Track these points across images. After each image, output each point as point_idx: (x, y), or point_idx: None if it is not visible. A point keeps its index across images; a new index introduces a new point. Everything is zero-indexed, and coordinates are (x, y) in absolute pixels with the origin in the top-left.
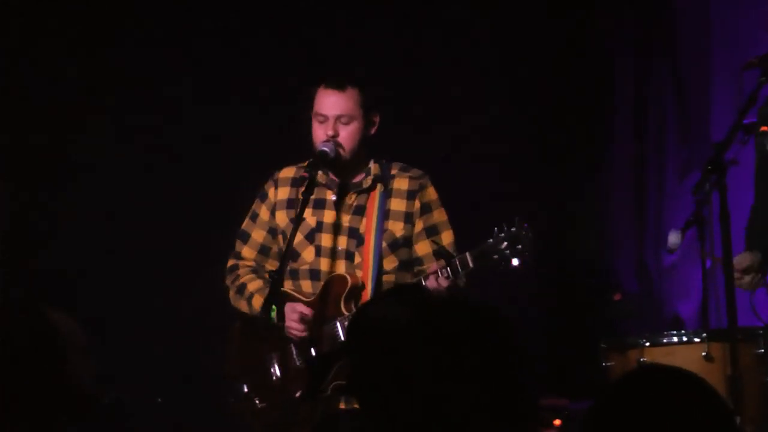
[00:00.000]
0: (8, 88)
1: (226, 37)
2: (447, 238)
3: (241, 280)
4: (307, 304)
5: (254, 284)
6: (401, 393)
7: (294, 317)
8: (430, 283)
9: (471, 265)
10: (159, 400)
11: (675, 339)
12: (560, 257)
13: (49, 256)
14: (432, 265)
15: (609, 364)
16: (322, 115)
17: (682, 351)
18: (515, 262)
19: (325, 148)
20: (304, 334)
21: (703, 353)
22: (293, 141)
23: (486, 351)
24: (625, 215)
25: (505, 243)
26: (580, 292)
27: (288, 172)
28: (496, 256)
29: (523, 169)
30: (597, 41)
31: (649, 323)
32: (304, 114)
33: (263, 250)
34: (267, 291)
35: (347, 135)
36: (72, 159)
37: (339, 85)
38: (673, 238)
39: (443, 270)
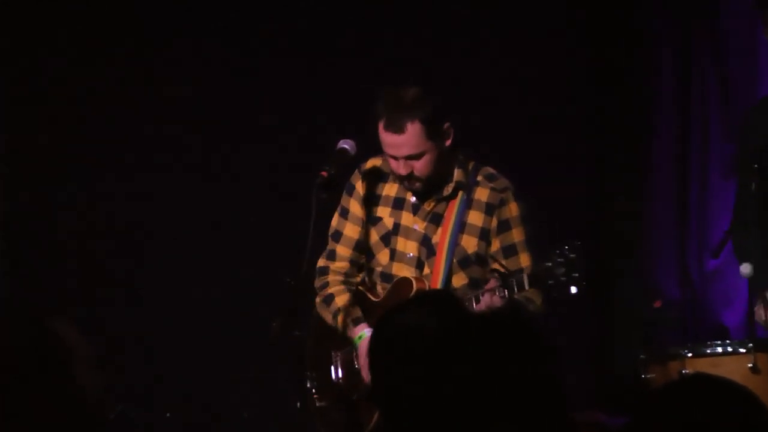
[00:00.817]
0: (11, 87)
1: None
2: (524, 260)
3: (330, 290)
4: (375, 303)
5: (342, 298)
6: (423, 404)
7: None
8: (485, 299)
9: (527, 287)
10: (167, 414)
11: (719, 349)
12: (596, 261)
13: (49, 265)
14: (490, 282)
15: (649, 376)
16: (390, 155)
17: (727, 362)
18: (573, 290)
19: (345, 146)
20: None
21: (750, 365)
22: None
23: (514, 363)
24: (666, 215)
25: (563, 269)
26: (617, 299)
27: (374, 163)
28: (551, 282)
29: (559, 167)
30: (637, 31)
31: (692, 332)
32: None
33: (358, 247)
34: (354, 308)
35: (421, 167)
36: (73, 158)
37: (398, 129)
38: (746, 269)
39: (499, 289)
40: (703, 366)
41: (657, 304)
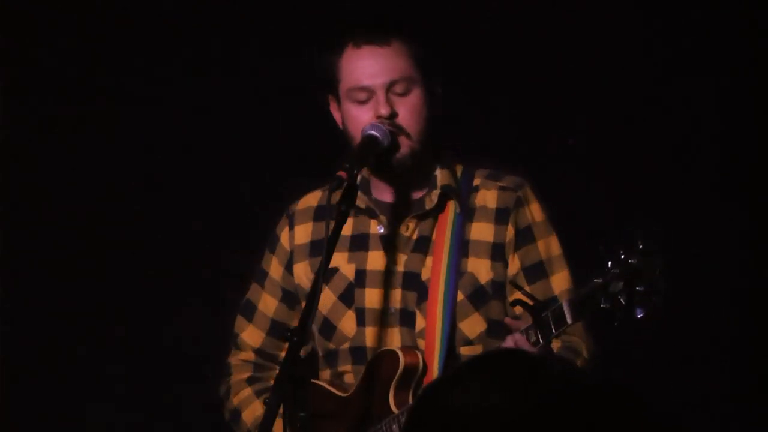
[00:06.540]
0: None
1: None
2: (558, 284)
3: (235, 400)
4: (345, 401)
5: (252, 410)
6: None
7: None
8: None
9: (569, 320)
10: None
11: None
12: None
13: (47, 266)
14: (517, 323)
15: None
16: (362, 88)
17: None
18: (638, 313)
19: (375, 132)
20: None
21: None
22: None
23: None
24: None
25: (621, 283)
26: None
27: (310, 200)
28: (606, 305)
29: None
30: None
31: None
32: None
33: (274, 330)
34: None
35: (410, 111)
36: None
37: (379, 38)
38: None
39: (530, 331)
40: None
41: None
